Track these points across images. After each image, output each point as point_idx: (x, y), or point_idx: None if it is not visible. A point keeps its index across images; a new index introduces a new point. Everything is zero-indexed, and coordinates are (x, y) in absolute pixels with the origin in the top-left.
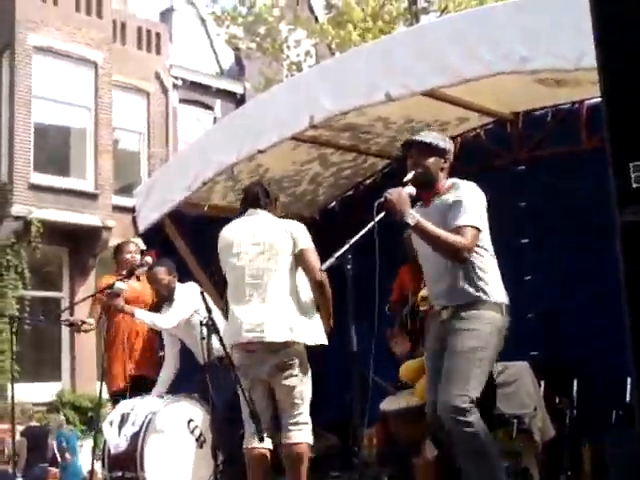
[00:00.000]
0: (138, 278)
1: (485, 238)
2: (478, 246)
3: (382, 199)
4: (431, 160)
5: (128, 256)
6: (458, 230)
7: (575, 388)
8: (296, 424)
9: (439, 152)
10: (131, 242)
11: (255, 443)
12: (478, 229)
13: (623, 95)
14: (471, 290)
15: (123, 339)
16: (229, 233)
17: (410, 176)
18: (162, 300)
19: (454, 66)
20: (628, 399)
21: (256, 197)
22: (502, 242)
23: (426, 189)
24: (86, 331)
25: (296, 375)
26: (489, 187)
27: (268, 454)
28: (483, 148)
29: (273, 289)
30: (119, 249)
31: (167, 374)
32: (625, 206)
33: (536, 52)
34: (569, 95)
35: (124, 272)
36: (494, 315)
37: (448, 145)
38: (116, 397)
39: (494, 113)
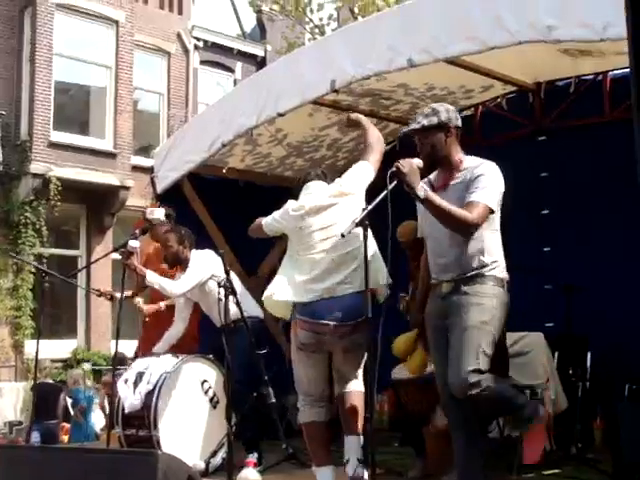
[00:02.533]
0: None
1: (497, 218)
2: (489, 223)
3: (393, 169)
4: (433, 139)
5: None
6: (470, 204)
7: (589, 361)
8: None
9: (436, 128)
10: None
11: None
12: (490, 208)
13: None
14: (475, 263)
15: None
16: None
17: (418, 162)
18: (171, 266)
19: (479, 33)
20: None
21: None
22: (523, 212)
23: (442, 166)
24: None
25: None
26: (510, 157)
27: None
28: (505, 117)
29: None
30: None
31: (172, 335)
32: None
33: (562, 21)
34: (593, 66)
35: (137, 231)
36: (497, 289)
37: (444, 116)
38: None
39: (517, 82)
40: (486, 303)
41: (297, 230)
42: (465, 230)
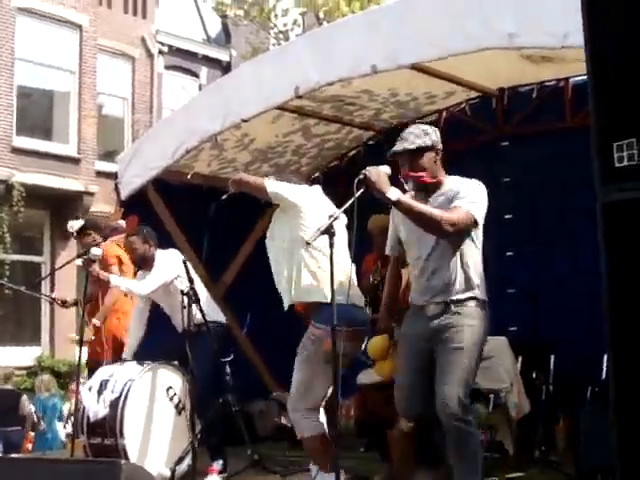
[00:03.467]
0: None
1: (481, 236)
2: (473, 242)
3: (361, 176)
4: (424, 160)
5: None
6: (451, 209)
7: (552, 364)
8: None
9: (428, 149)
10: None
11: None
12: (474, 218)
13: (609, 74)
14: (466, 286)
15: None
16: None
17: (411, 187)
18: (140, 268)
19: (441, 40)
20: (604, 376)
21: None
22: (485, 217)
23: (427, 187)
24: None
25: None
26: (473, 162)
27: None
28: (468, 123)
29: None
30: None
31: (135, 336)
32: (607, 185)
33: (523, 28)
34: (554, 72)
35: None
36: (483, 312)
37: (434, 136)
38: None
39: (480, 88)
40: (477, 325)
41: (314, 209)
42: (441, 230)
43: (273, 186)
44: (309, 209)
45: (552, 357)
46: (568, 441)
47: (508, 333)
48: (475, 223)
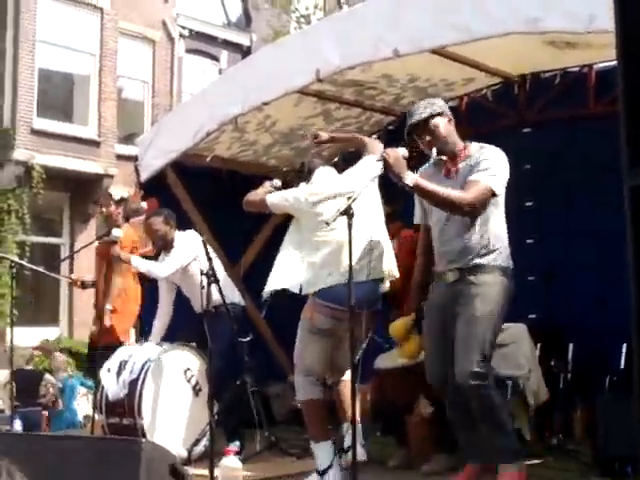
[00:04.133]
0: None
1: (501, 204)
2: (494, 210)
3: (380, 158)
4: (440, 125)
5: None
6: (468, 183)
7: (571, 352)
8: None
9: (439, 115)
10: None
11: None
12: (492, 190)
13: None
14: (481, 252)
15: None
16: None
17: (435, 153)
18: (160, 250)
19: (465, 24)
20: (622, 365)
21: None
22: (506, 204)
23: (447, 155)
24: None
25: None
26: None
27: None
28: (489, 109)
29: None
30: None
31: (162, 322)
32: (635, 168)
33: (548, 12)
34: (578, 59)
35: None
36: (502, 279)
37: (440, 103)
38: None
39: (502, 73)
40: (491, 293)
41: (313, 214)
42: (461, 210)
43: (271, 198)
44: (314, 203)
45: (571, 345)
46: (586, 429)
47: (527, 320)
48: (494, 194)
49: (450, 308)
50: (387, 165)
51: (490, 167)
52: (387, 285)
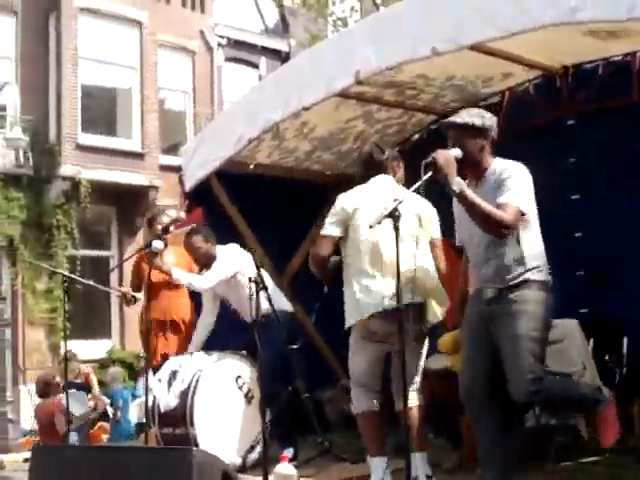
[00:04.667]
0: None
1: (532, 219)
2: (524, 226)
3: (429, 159)
4: (470, 141)
5: (160, 227)
6: (502, 206)
7: (625, 347)
8: None
9: (477, 131)
10: (164, 213)
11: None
12: (521, 210)
13: None
14: (517, 272)
15: (172, 330)
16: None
17: (456, 153)
18: (203, 267)
19: (502, 19)
20: None
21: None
22: (552, 198)
23: (470, 169)
24: (130, 303)
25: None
26: (539, 142)
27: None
28: (532, 103)
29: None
30: (152, 219)
31: (204, 328)
32: None
33: (586, 2)
34: (620, 47)
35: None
36: (542, 293)
37: (487, 122)
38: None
39: (542, 66)
40: (533, 309)
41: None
42: (499, 231)
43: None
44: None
45: (625, 339)
46: None
47: (578, 315)
48: (522, 214)
49: (486, 323)
50: (436, 167)
51: (515, 186)
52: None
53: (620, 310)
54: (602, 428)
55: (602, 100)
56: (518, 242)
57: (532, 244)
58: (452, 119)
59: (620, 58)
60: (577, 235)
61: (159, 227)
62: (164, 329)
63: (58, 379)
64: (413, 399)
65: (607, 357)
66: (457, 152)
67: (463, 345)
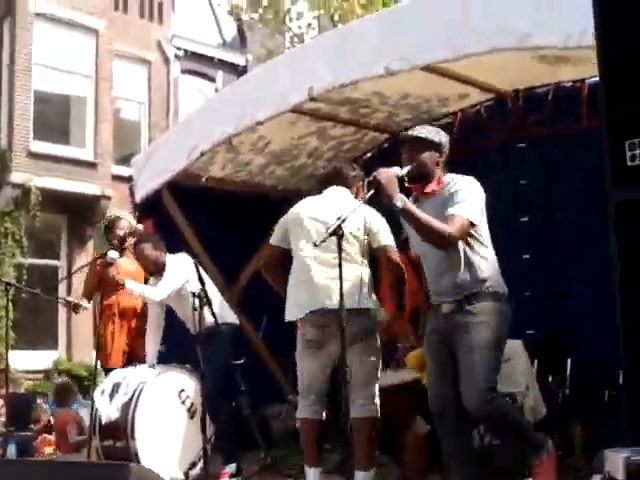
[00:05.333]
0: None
1: (483, 231)
2: (476, 239)
3: (371, 177)
4: (425, 155)
5: (120, 232)
6: (449, 218)
7: (568, 368)
8: None
9: (433, 147)
10: (122, 218)
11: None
12: (470, 221)
13: (621, 73)
14: (472, 284)
15: (120, 317)
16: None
17: (404, 171)
18: (152, 274)
19: (455, 40)
20: (621, 380)
21: (340, 173)
22: (501, 220)
23: (422, 184)
24: (77, 311)
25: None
26: (490, 164)
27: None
28: (483, 125)
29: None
30: (111, 225)
31: (155, 341)
32: (619, 184)
33: (538, 28)
34: (570, 73)
35: (116, 242)
36: (499, 306)
37: (443, 139)
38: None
39: (495, 89)
40: (490, 321)
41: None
42: (442, 243)
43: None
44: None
45: (569, 360)
46: (585, 445)
47: (525, 336)
48: (472, 224)
49: (447, 337)
50: (378, 185)
51: (465, 199)
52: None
53: (565, 332)
54: (539, 476)
55: (552, 125)
56: (471, 254)
57: (485, 256)
58: (411, 132)
59: (570, 84)
60: (525, 257)
61: (120, 233)
62: (113, 316)
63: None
64: (367, 409)
65: (551, 378)
66: (399, 170)
67: (427, 360)
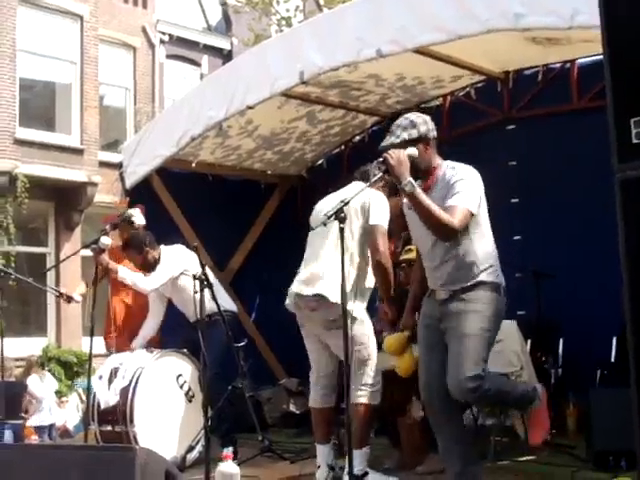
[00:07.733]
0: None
1: (483, 221)
2: (475, 229)
3: (381, 159)
4: (414, 157)
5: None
6: (449, 209)
7: (561, 347)
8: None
9: (416, 141)
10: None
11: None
12: (470, 212)
13: (626, 50)
14: (470, 274)
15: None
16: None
17: (412, 152)
18: (148, 270)
19: (447, 22)
20: (613, 358)
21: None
22: (492, 201)
23: (422, 175)
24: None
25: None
26: (479, 146)
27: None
28: (473, 106)
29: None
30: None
31: (149, 329)
32: (625, 162)
33: (531, 9)
34: (560, 54)
35: (107, 227)
36: (495, 296)
37: (422, 128)
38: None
39: (485, 71)
40: (484, 310)
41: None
42: (446, 234)
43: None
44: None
45: (561, 340)
46: (579, 424)
47: (517, 317)
48: (472, 214)
49: (440, 321)
50: (389, 166)
51: (464, 189)
52: None
53: (557, 312)
54: (531, 426)
55: (542, 106)
56: (471, 244)
57: (484, 246)
58: (389, 142)
59: (560, 65)
60: (516, 238)
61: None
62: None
63: None
64: (361, 395)
65: (543, 357)
66: (412, 151)
67: (420, 347)
